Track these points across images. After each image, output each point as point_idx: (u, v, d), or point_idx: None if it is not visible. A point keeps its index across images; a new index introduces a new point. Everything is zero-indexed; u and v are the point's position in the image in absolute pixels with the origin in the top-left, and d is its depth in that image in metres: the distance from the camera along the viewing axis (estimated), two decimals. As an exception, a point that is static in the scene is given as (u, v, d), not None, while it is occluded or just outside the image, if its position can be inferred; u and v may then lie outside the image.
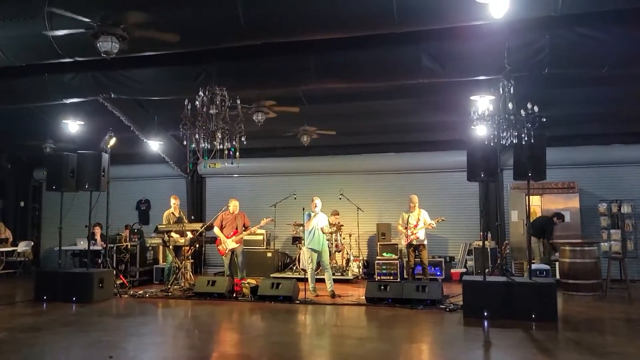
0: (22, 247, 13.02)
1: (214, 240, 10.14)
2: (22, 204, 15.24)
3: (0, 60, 7.35)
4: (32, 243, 13.83)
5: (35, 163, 14.84)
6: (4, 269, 12.60)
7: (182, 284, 9.92)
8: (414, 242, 9.97)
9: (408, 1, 5.77)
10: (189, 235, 10.24)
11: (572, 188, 11.33)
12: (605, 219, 11.03)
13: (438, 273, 11.41)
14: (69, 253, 12.23)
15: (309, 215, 9.57)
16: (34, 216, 15.53)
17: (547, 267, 9.73)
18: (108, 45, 5.96)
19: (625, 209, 10.97)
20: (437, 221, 10.01)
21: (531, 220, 9.29)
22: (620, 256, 10.20)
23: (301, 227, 11.52)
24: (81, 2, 6.37)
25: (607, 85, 8.80)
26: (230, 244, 9.80)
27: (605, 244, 10.85)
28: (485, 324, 7.11)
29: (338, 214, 11.83)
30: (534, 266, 8.99)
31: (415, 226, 9.92)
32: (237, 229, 9.86)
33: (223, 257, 10.06)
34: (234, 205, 10.04)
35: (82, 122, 11.09)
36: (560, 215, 10.60)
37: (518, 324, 6.90)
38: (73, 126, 11.12)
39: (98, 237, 11.68)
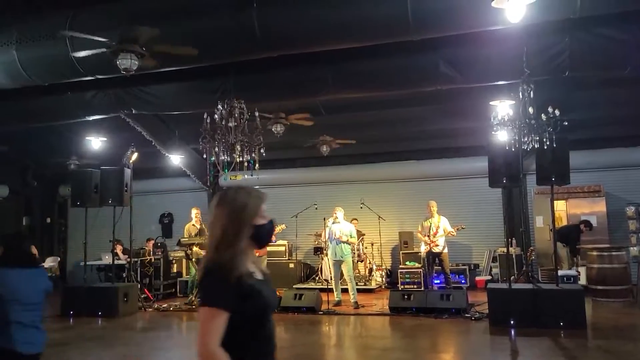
0: (49, 262, 13.24)
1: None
2: (48, 220, 15.51)
3: (24, 81, 7.51)
4: (59, 259, 14.04)
5: (60, 179, 15.10)
6: (32, 284, 12.79)
7: (206, 297, 9.94)
8: (434, 250, 9.82)
9: (423, 9, 5.74)
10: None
11: (597, 192, 11.09)
12: (634, 222, 10.77)
13: (462, 281, 11.25)
14: (95, 268, 12.39)
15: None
16: (59, 232, 15.79)
17: (574, 273, 9.53)
18: (127, 63, 6.06)
19: (654, 211, 10.69)
20: (457, 229, 9.86)
21: (558, 226, 9.13)
22: (651, 260, 9.95)
23: (322, 237, 11.53)
24: (100, 21, 6.50)
25: (630, 86, 8.61)
26: None
27: (635, 248, 10.58)
28: (512, 332, 6.98)
29: (357, 221, 11.77)
30: (560, 272, 8.81)
31: (435, 234, 9.78)
32: None
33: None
34: None
35: (105, 138, 11.27)
36: (588, 224, 10.36)
37: (546, 332, 6.76)
38: (96, 142, 11.30)
39: (120, 253, 11.81)
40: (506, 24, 5.75)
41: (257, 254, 9.09)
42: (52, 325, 8.55)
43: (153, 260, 11.38)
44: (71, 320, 8.87)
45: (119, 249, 11.71)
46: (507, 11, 5.31)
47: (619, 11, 6.09)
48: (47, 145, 12.47)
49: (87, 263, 9.98)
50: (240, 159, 7.34)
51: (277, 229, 10.04)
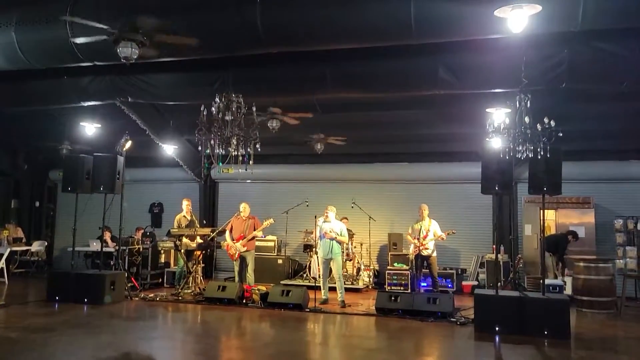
0: (36, 246, 13.14)
1: (224, 244, 10.15)
2: (37, 204, 15.39)
3: (22, 64, 7.46)
4: (46, 243, 13.94)
5: (51, 164, 14.98)
6: (18, 268, 12.72)
7: (193, 289, 9.95)
8: (423, 253, 9.89)
9: (426, 14, 5.77)
10: (199, 239, 10.28)
11: (587, 203, 11.19)
12: (621, 235, 10.87)
13: (449, 285, 11.32)
14: (82, 254, 12.32)
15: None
16: (48, 216, 15.67)
17: (560, 282, 9.61)
18: (128, 51, 6.03)
19: (642, 226, 10.79)
20: (448, 234, 9.92)
21: (546, 235, 9.20)
22: (636, 274, 10.06)
23: (312, 235, 11.53)
24: (102, 9, 6.46)
25: (625, 101, 8.69)
26: (238, 247, 9.79)
27: (621, 261, 10.69)
28: (497, 339, 7.03)
29: (347, 221, 11.78)
30: (547, 281, 8.88)
31: (425, 237, 9.83)
32: (244, 233, 9.84)
33: (234, 261, 10.07)
34: (244, 208, 10.06)
35: (99, 125, 11.21)
36: (575, 234, 10.48)
37: (530, 340, 6.82)
38: (90, 129, 11.24)
39: (108, 240, 11.74)
40: (507, 33, 5.79)
41: (244, 247, 9.09)
42: (37, 310, 8.53)
43: (141, 249, 11.33)
44: (56, 305, 8.83)
45: (107, 236, 11.64)
46: (509, 21, 5.35)
47: (619, 27, 6.14)
48: (39, 129, 12.38)
49: (75, 249, 9.91)
50: (236, 152, 7.33)
51: (265, 223, 10.01)
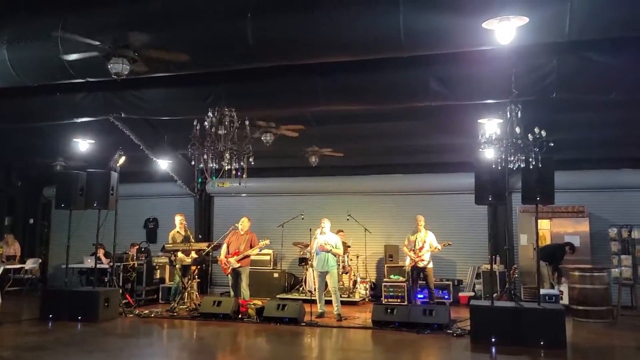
0: (30, 264, 13.04)
1: (219, 259, 10.09)
2: (31, 221, 15.32)
3: (14, 81, 7.46)
4: (40, 260, 13.84)
5: (45, 181, 14.92)
6: (11, 285, 12.61)
7: (188, 304, 9.88)
8: (419, 265, 9.86)
9: (415, 27, 5.80)
10: (193, 254, 10.22)
11: (581, 212, 11.22)
12: (616, 244, 10.87)
13: (446, 296, 11.28)
14: (76, 271, 12.23)
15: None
16: (42, 233, 15.59)
17: (556, 292, 9.59)
18: (119, 67, 6.06)
19: (636, 234, 10.78)
20: (444, 245, 9.91)
21: (541, 244, 9.21)
22: (631, 282, 10.05)
23: (307, 248, 11.49)
24: (93, 25, 6.49)
25: (616, 109, 8.74)
26: (232, 262, 9.72)
27: (616, 269, 10.68)
28: (493, 350, 7.00)
29: (343, 233, 11.76)
30: (542, 291, 8.87)
31: (421, 249, 9.81)
32: (239, 248, 9.76)
33: (227, 275, 10.01)
34: (242, 223, 10.00)
35: (93, 141, 11.20)
36: (572, 247, 10.50)
37: (526, 350, 6.79)
38: (83, 145, 11.23)
39: (102, 257, 11.66)
40: (496, 44, 5.84)
41: (238, 264, 8.98)
42: (30, 329, 8.44)
43: (136, 265, 11.26)
44: (50, 324, 8.75)
45: (100, 253, 11.57)
46: (497, 33, 5.40)
47: (606, 37, 6.19)
48: (33, 146, 12.36)
49: (69, 266, 9.85)
50: (229, 167, 7.33)
51: (261, 243, 9.93)
